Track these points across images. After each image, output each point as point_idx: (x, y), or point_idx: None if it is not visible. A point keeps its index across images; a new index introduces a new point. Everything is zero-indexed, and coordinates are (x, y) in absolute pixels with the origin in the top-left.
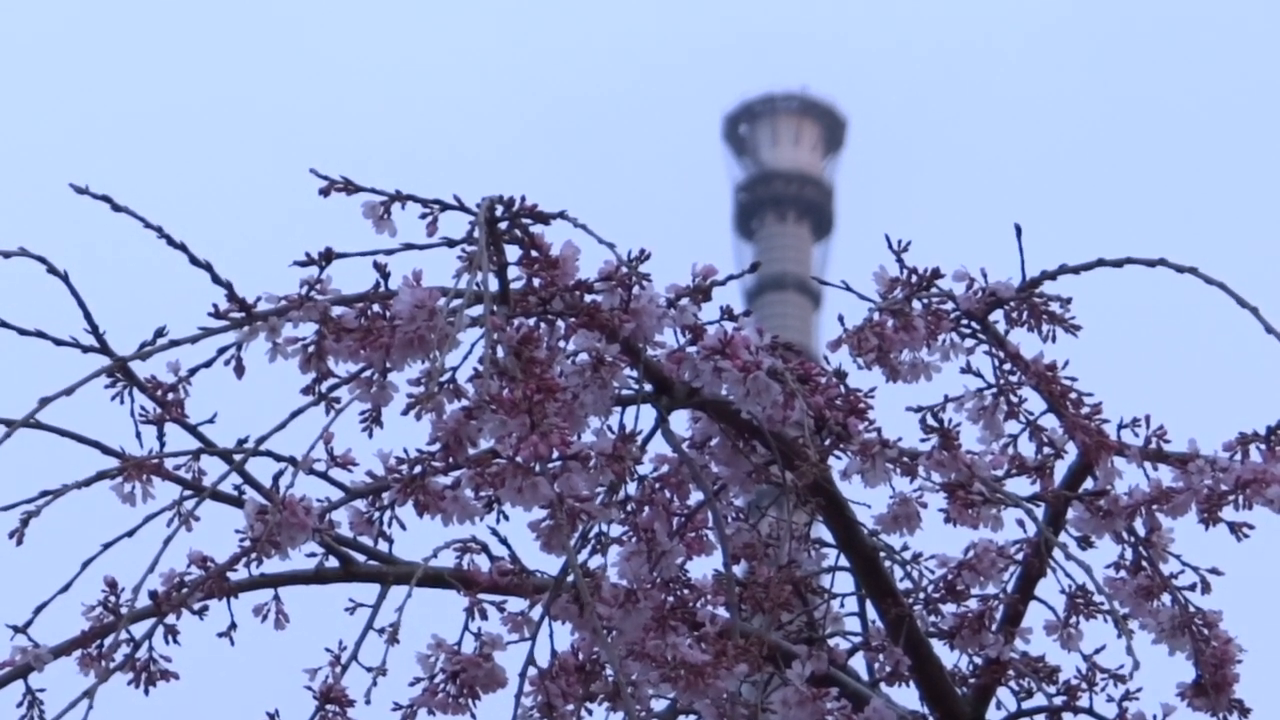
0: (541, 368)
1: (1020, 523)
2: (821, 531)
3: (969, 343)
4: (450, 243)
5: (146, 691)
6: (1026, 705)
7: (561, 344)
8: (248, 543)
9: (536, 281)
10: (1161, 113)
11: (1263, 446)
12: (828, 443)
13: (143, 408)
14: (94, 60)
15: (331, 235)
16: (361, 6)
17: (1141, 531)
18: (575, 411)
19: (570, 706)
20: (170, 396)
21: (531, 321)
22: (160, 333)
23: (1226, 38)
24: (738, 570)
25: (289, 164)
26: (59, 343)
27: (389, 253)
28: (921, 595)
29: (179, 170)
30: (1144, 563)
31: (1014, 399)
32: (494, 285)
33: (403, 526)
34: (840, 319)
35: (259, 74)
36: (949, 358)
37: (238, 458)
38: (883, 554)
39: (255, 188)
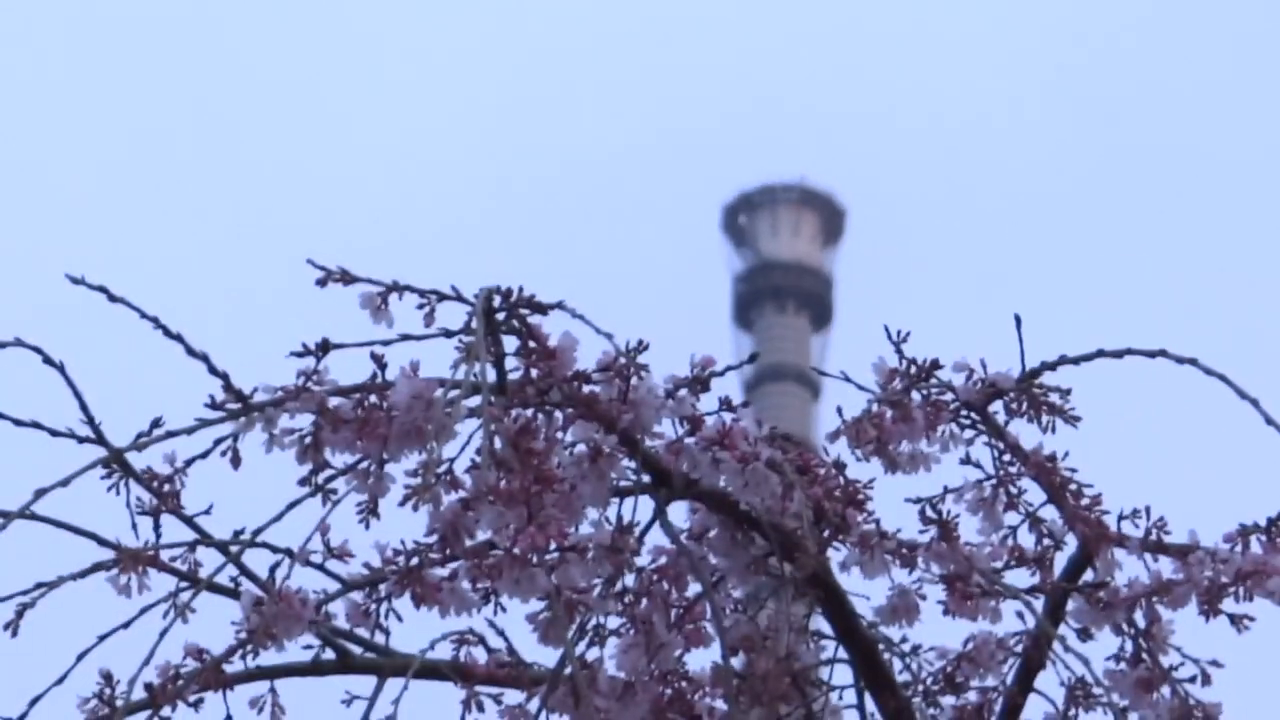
0: (539, 459)
1: (1019, 614)
2: (820, 623)
3: (968, 434)
4: (448, 333)
5: None
6: None
7: (559, 435)
8: (244, 634)
9: (534, 372)
10: (1159, 179)
11: (1263, 538)
12: (826, 534)
13: (139, 499)
14: (75, 145)
15: (314, 319)
16: (319, 107)
17: (1141, 623)
18: (573, 503)
19: None
20: (166, 488)
21: (529, 412)
22: (156, 424)
23: (1224, 98)
24: (736, 662)
25: (281, 249)
26: (55, 434)
27: (386, 343)
28: (920, 687)
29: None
30: (1144, 655)
31: (1013, 490)
32: (491, 376)
33: (399, 618)
34: (839, 410)
35: (253, 158)
36: (948, 449)
37: (234, 549)
38: (881, 646)
39: (251, 272)
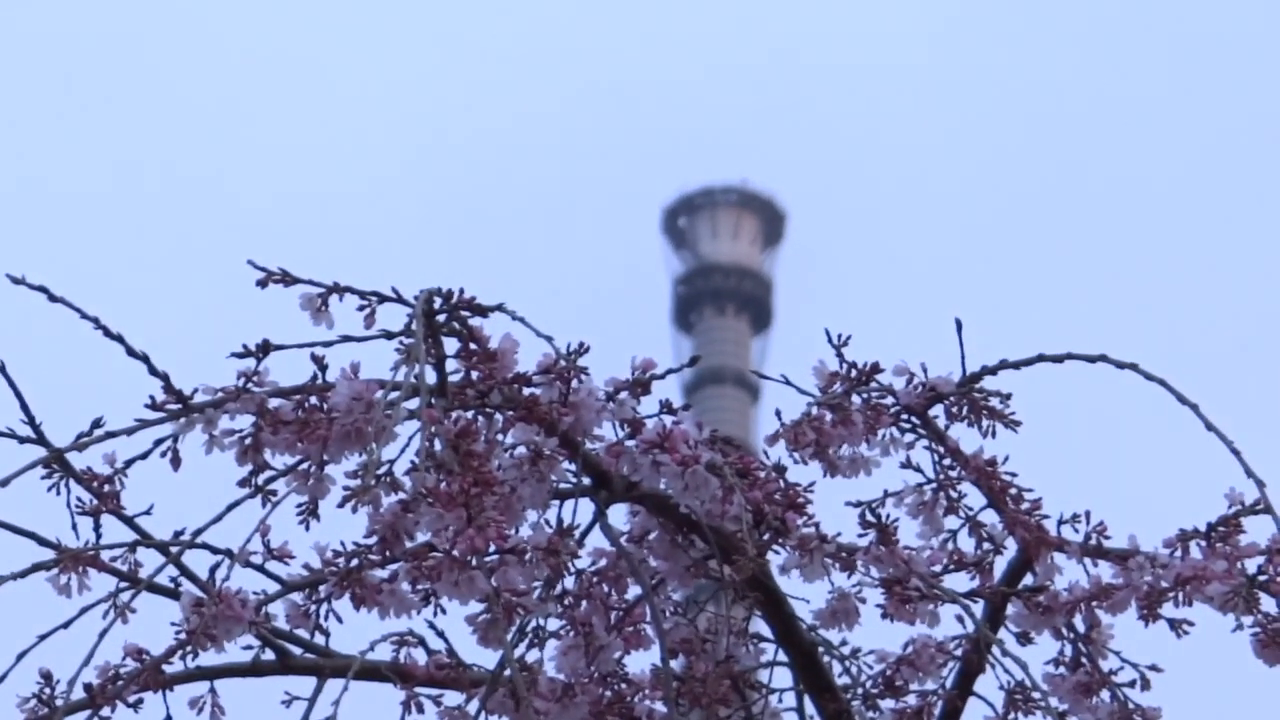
0: (479, 461)
1: (959, 618)
2: (760, 626)
3: (908, 438)
4: (388, 335)
5: None
6: None
7: (500, 437)
8: (183, 635)
9: (475, 374)
10: (1105, 184)
11: (1203, 543)
12: (766, 537)
13: (79, 499)
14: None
15: (249, 321)
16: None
17: (1081, 628)
18: (513, 505)
19: None
20: (106, 488)
21: (469, 414)
22: (97, 424)
23: (1177, 93)
24: (675, 665)
25: (219, 250)
26: None
27: (326, 345)
28: (860, 690)
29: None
30: (1083, 659)
31: (954, 494)
32: (431, 378)
33: (339, 620)
34: (778, 413)
35: (203, 156)
36: (888, 453)
37: (174, 550)
38: (821, 649)
39: (190, 269)
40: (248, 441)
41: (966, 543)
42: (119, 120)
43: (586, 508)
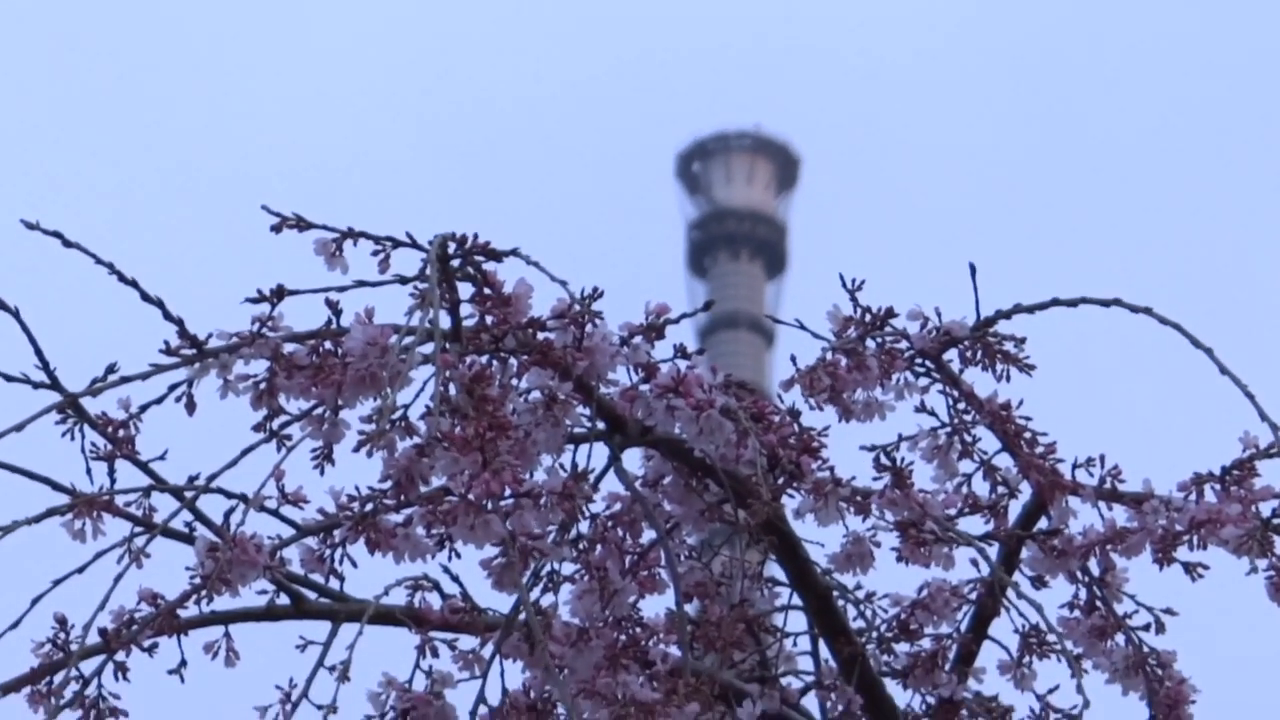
0: (494, 405)
1: (974, 562)
2: (774, 570)
3: (923, 382)
4: (402, 280)
5: None
6: None
7: (514, 382)
8: (198, 580)
9: (489, 319)
10: (1127, 130)
11: (1217, 487)
12: (781, 481)
13: (93, 444)
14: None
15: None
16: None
17: (1096, 571)
18: (527, 449)
19: None
20: (121, 433)
21: (484, 359)
22: (111, 369)
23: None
24: (690, 609)
25: (237, 199)
26: (9, 379)
27: (341, 290)
28: (874, 634)
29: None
30: (1098, 603)
31: (968, 438)
32: (446, 323)
33: (354, 564)
34: (793, 358)
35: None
36: (903, 397)
37: (189, 495)
38: (836, 593)
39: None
40: (262, 386)
41: (981, 486)
42: (125, 69)
43: (601, 452)
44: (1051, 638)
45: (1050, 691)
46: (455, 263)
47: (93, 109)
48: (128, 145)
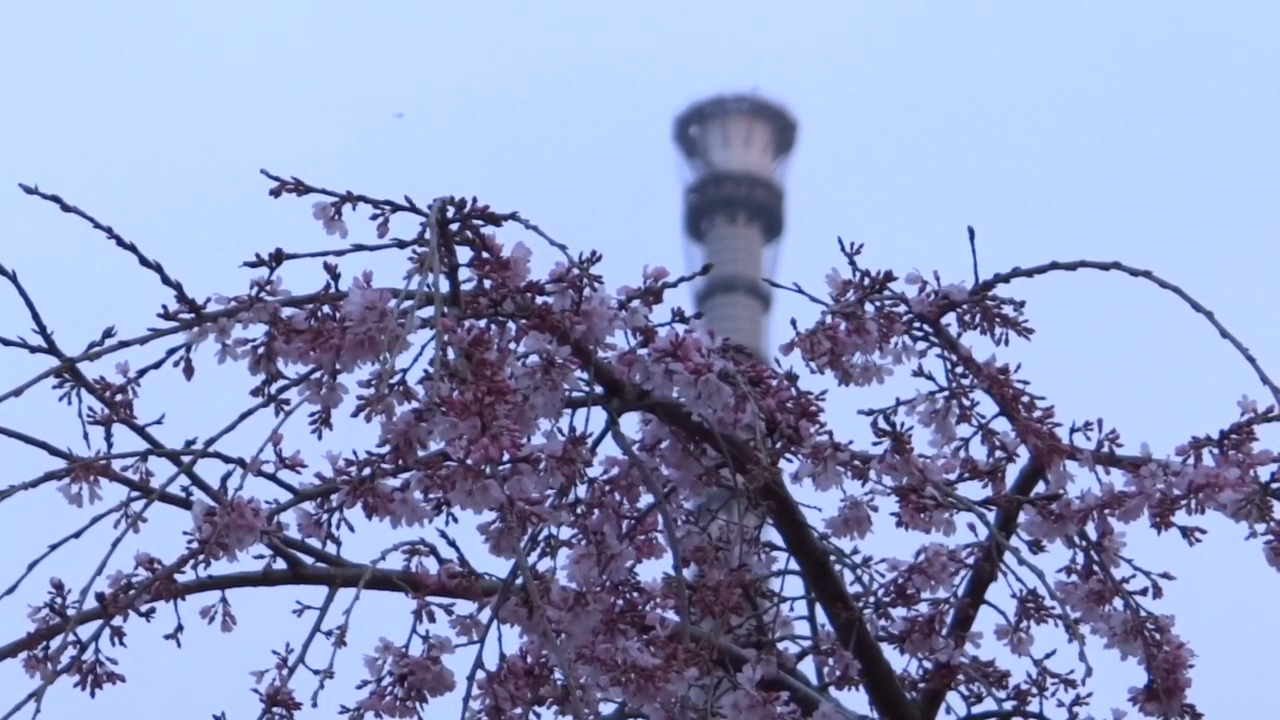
0: (492, 370)
1: (971, 527)
2: (772, 535)
3: (921, 346)
4: (401, 244)
5: (93, 693)
6: (976, 710)
7: (512, 346)
8: (195, 544)
9: (487, 283)
10: (1129, 93)
11: (1215, 451)
12: (779, 446)
13: (90, 409)
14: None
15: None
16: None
17: (1093, 536)
18: (526, 414)
19: (519, 710)
20: (118, 398)
21: (482, 323)
22: (109, 333)
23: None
24: (688, 573)
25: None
26: (7, 343)
27: (339, 254)
28: (872, 599)
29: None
30: (1095, 567)
31: (966, 402)
32: (445, 287)
33: (351, 529)
34: (793, 322)
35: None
36: (901, 361)
37: (186, 459)
38: (833, 557)
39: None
40: (260, 351)
41: (979, 451)
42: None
43: (599, 416)
44: (1049, 602)
45: (1048, 656)
46: (454, 227)
47: (77, 91)
48: (127, 136)
